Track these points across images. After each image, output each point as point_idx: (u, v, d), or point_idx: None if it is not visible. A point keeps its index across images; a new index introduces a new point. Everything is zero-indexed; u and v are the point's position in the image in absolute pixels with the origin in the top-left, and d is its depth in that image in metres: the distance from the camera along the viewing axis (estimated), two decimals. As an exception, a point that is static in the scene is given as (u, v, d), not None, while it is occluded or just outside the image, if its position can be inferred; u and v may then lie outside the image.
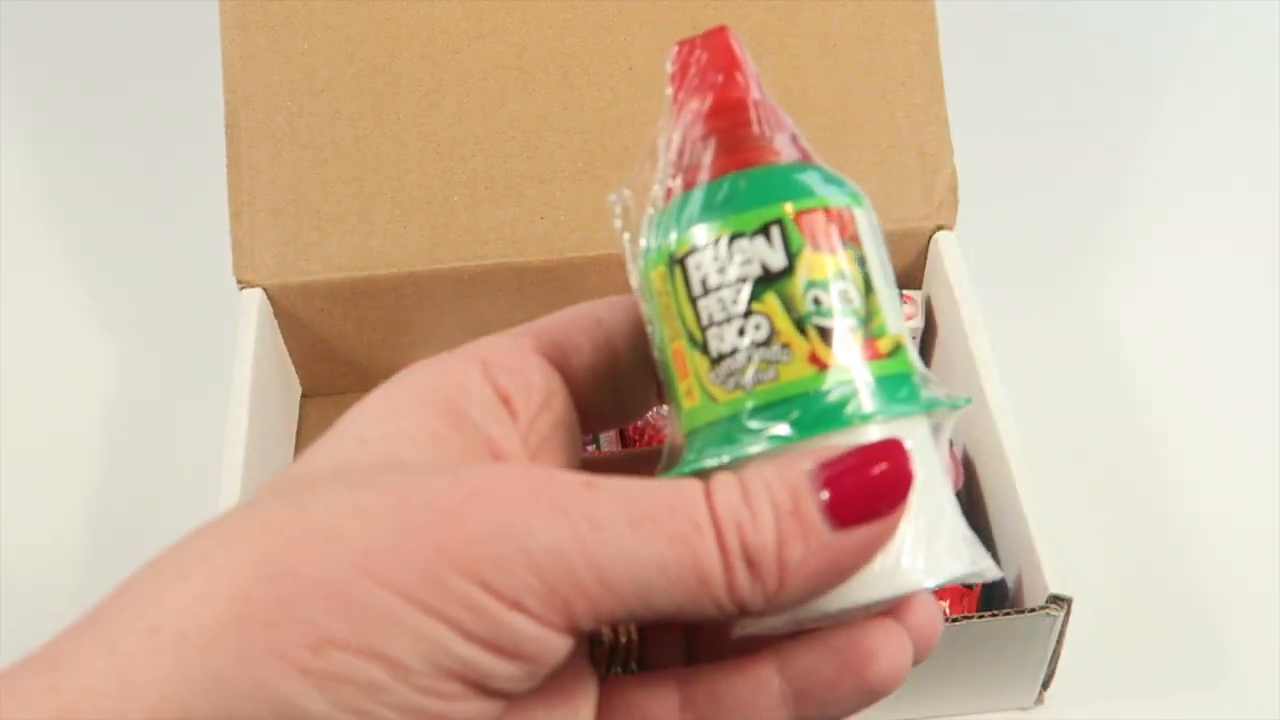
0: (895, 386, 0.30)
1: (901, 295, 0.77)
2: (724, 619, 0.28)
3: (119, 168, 0.98)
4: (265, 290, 0.75)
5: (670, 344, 0.31)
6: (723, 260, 0.30)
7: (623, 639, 0.33)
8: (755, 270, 0.29)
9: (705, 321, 0.30)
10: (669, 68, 0.32)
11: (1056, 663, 0.65)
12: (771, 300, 0.29)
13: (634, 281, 0.32)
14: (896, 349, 0.30)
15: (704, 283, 0.30)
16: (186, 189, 0.92)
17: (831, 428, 0.29)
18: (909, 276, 0.79)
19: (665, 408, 0.32)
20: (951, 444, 0.42)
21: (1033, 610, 0.60)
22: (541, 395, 0.31)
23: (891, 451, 0.28)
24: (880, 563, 0.28)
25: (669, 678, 0.31)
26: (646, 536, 0.26)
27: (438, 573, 0.25)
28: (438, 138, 0.75)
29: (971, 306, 0.72)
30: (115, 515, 0.80)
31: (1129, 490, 0.78)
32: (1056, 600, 0.60)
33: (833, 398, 0.29)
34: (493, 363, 0.31)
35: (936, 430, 0.31)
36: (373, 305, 0.77)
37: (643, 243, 0.32)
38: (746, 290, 0.29)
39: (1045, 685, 0.67)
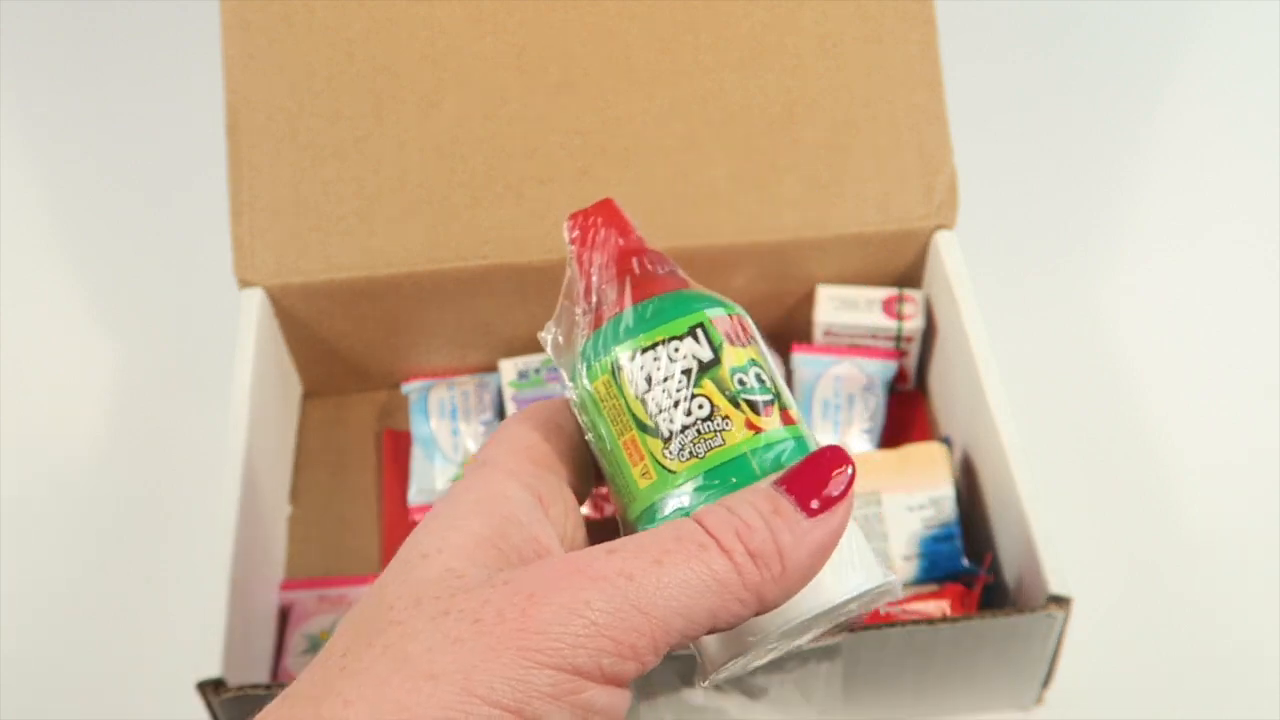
0: (809, 442, 0.38)
1: (902, 295, 0.78)
2: (753, 613, 0.34)
3: (120, 168, 0.98)
4: (265, 290, 0.75)
5: (621, 438, 0.38)
6: (663, 360, 0.38)
7: None
8: (691, 363, 0.38)
9: (654, 410, 0.38)
10: (569, 234, 0.41)
11: (1056, 663, 0.65)
12: (708, 384, 0.38)
13: (573, 397, 0.40)
14: (799, 418, 0.39)
15: (649, 379, 0.38)
16: (187, 189, 0.92)
17: (773, 473, 0.37)
18: (909, 276, 0.79)
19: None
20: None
21: (1033, 610, 0.60)
22: (562, 498, 0.39)
23: (834, 452, 0.36)
24: (832, 575, 0.36)
25: None
26: (669, 567, 0.33)
27: (524, 673, 0.31)
28: (438, 138, 0.75)
29: (971, 306, 0.72)
30: (115, 514, 0.80)
31: (1129, 490, 0.78)
32: (1056, 600, 0.60)
33: (772, 452, 0.37)
34: (522, 474, 0.38)
35: None
36: (373, 305, 0.77)
37: (579, 365, 0.39)
38: (688, 379, 0.38)
39: (1045, 685, 0.67)
